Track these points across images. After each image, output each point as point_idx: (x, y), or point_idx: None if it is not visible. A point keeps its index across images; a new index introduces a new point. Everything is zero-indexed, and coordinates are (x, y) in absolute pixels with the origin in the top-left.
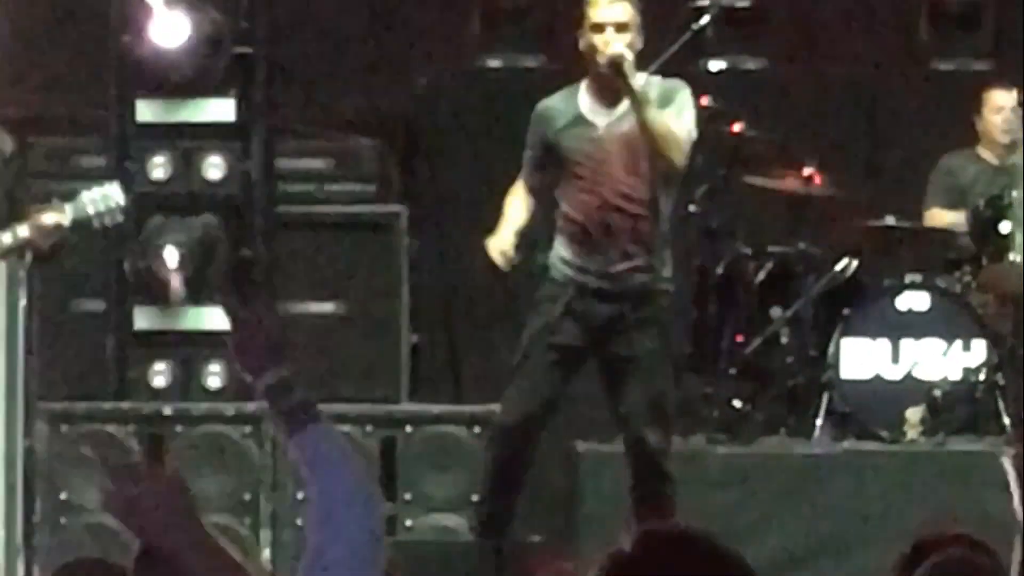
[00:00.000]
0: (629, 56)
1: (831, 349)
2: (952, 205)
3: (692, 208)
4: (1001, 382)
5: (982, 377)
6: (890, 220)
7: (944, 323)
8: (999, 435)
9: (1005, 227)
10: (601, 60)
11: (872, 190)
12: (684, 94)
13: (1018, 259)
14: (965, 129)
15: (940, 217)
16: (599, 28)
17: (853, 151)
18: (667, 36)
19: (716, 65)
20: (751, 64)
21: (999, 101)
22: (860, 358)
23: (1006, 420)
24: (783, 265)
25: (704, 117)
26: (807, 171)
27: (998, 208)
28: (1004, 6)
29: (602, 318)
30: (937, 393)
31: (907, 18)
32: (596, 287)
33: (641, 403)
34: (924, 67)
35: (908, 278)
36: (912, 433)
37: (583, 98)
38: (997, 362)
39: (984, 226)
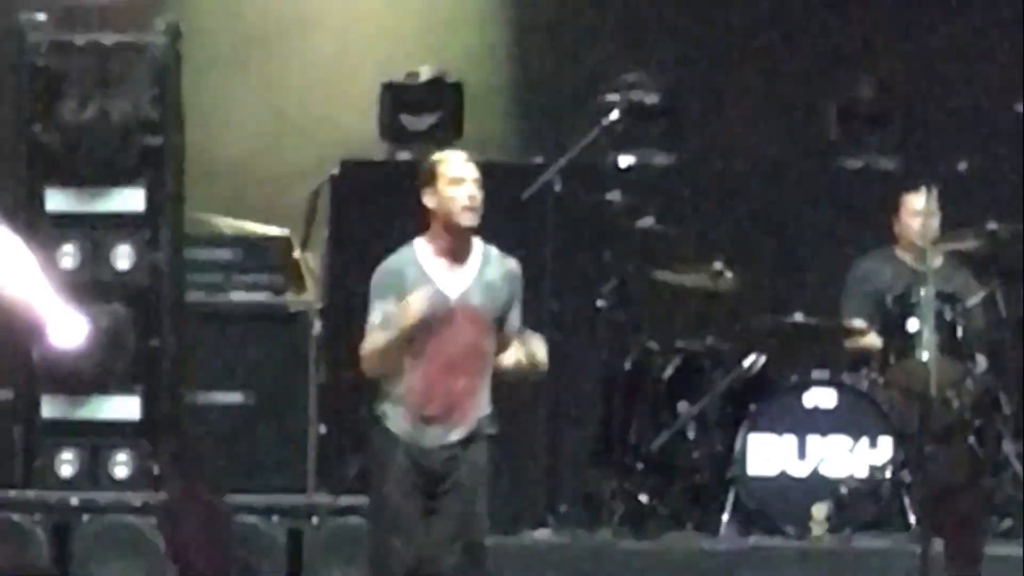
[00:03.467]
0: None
1: (737, 445)
2: (869, 309)
3: (600, 303)
4: (907, 479)
5: (888, 474)
6: (798, 317)
7: (850, 420)
8: (904, 532)
9: (912, 325)
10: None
11: (780, 286)
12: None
13: (927, 357)
14: (874, 227)
15: (858, 327)
16: (458, 182)
17: (761, 247)
18: (577, 131)
19: (625, 160)
20: (660, 159)
21: (916, 205)
22: (766, 454)
23: (911, 517)
24: (691, 361)
25: (613, 212)
26: (716, 267)
27: (905, 306)
28: (912, 105)
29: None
30: (843, 490)
31: (816, 115)
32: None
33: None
34: (833, 164)
35: (815, 375)
36: (818, 529)
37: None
38: (903, 459)
39: (891, 324)
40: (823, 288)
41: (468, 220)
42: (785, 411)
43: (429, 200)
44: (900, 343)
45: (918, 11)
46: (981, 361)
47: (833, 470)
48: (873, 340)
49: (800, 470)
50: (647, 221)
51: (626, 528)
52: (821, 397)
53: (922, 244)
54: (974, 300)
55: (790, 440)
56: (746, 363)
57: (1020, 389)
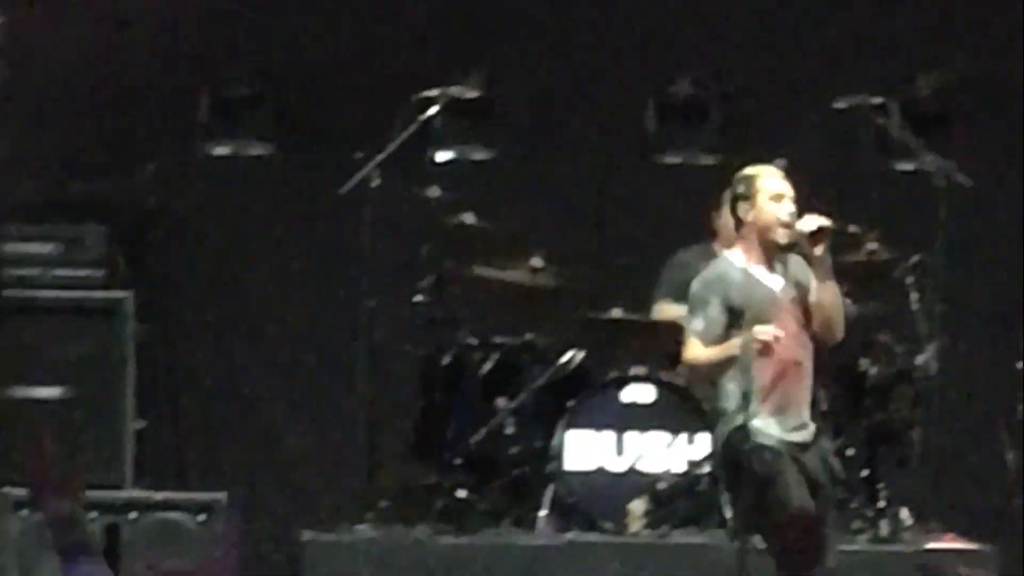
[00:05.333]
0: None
1: (555, 441)
2: (681, 298)
3: (418, 299)
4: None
5: (705, 470)
6: (617, 313)
7: (669, 416)
8: (721, 528)
9: None
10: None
11: (599, 282)
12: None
13: None
14: (692, 222)
15: (667, 311)
16: (778, 198)
17: (581, 243)
18: (395, 126)
19: (444, 155)
20: (480, 155)
21: None
22: (584, 450)
23: (728, 513)
24: (509, 356)
25: (431, 207)
26: (534, 262)
27: None
28: (730, 101)
29: None
30: (661, 486)
31: (635, 111)
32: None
33: None
34: (651, 160)
35: (633, 371)
36: (635, 525)
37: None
38: None
39: None
40: (643, 284)
41: (784, 237)
42: (603, 407)
43: (746, 213)
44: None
45: (736, 8)
46: None
47: (651, 466)
48: (681, 311)
49: (618, 466)
50: (466, 216)
51: (445, 524)
52: (639, 393)
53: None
54: None
55: (608, 436)
56: (564, 359)
57: (834, 387)
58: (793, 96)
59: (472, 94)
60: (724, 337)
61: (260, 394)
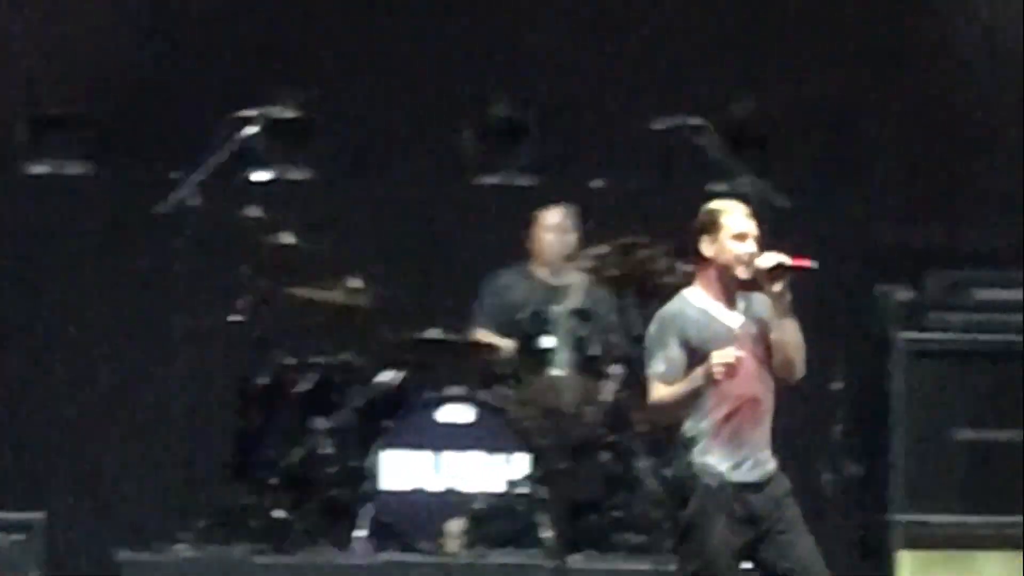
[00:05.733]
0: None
1: (372, 460)
2: (501, 323)
3: (235, 318)
4: (541, 495)
5: (524, 490)
6: (435, 333)
7: (486, 436)
8: (538, 548)
9: (547, 342)
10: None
11: (417, 302)
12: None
13: (561, 373)
14: (511, 244)
15: (486, 339)
16: (742, 238)
17: (399, 263)
18: (214, 145)
19: (262, 175)
20: (298, 174)
21: (551, 221)
22: (401, 470)
23: (545, 533)
24: (327, 376)
25: (250, 227)
26: (352, 283)
27: (540, 322)
28: (547, 123)
29: None
30: (478, 506)
31: (454, 132)
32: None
33: None
34: (469, 181)
35: (451, 391)
36: (452, 545)
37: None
38: (538, 475)
39: (527, 340)
40: (461, 305)
41: (743, 273)
42: (420, 427)
43: (708, 248)
44: (534, 359)
45: (554, 30)
46: (615, 377)
47: (468, 486)
48: (507, 355)
49: (435, 485)
50: (284, 236)
51: (262, 543)
52: (457, 413)
53: (557, 261)
54: (609, 317)
55: (425, 456)
56: (382, 378)
57: None
58: (611, 117)
59: (291, 114)
60: (685, 376)
61: (77, 413)
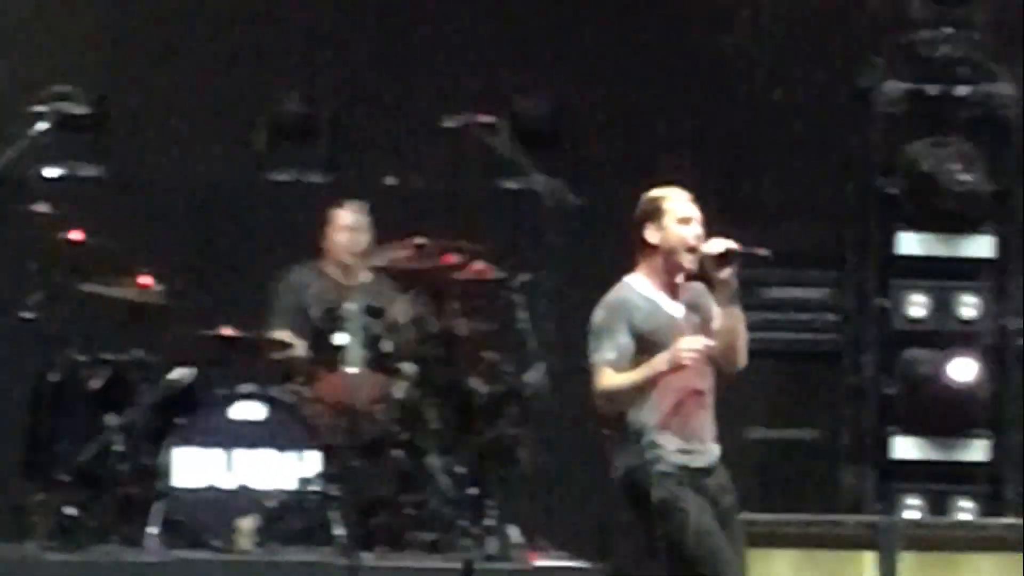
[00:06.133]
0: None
1: (164, 458)
2: (295, 320)
3: (27, 315)
4: (333, 492)
5: (316, 488)
6: (227, 330)
7: (278, 433)
8: (330, 545)
9: (340, 339)
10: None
11: (209, 299)
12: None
13: (353, 370)
14: (303, 241)
15: (280, 336)
16: (686, 221)
17: (190, 260)
18: (4, 141)
19: (52, 171)
20: (88, 171)
21: (343, 219)
22: (193, 467)
23: (337, 530)
24: (118, 373)
25: (40, 223)
26: (142, 279)
27: (332, 320)
28: (339, 120)
29: None
30: (270, 503)
31: (246, 128)
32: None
33: None
34: (262, 177)
35: (242, 388)
36: (244, 543)
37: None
38: (330, 473)
39: (319, 337)
40: (253, 301)
41: (690, 262)
42: (212, 424)
43: (653, 236)
44: (327, 356)
45: (345, 26)
46: (407, 375)
47: (260, 483)
48: (299, 353)
49: (227, 483)
50: (74, 233)
51: (53, 540)
52: (248, 410)
53: (349, 259)
54: (401, 315)
55: (217, 453)
56: (174, 376)
57: (444, 405)
58: (403, 114)
59: (82, 110)
60: (633, 364)
61: None
